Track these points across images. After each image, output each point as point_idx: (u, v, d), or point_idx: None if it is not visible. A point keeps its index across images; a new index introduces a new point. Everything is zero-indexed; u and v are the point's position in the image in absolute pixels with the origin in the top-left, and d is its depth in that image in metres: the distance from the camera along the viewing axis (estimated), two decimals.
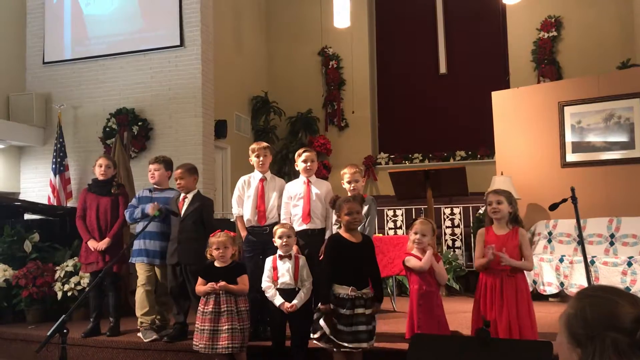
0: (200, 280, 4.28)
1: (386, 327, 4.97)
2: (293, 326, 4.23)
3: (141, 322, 5.08)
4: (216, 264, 4.27)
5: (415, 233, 4.13)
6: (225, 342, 4.05)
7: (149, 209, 4.98)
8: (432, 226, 4.23)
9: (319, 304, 3.88)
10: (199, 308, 4.23)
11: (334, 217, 4.20)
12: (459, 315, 5.35)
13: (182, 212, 4.95)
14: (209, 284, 4.15)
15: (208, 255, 4.30)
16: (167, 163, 5.38)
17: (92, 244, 5.22)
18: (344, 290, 3.83)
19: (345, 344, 3.74)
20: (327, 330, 3.76)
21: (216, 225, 4.90)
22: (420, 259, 4.09)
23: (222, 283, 4.13)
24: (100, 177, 5.38)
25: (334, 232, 4.26)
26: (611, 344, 1.28)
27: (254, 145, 5.03)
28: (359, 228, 4.44)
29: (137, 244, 5.15)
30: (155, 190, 5.31)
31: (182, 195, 5.02)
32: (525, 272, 4.14)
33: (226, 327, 4.08)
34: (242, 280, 4.24)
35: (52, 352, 4.88)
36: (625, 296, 1.34)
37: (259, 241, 4.80)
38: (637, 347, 1.26)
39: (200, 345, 4.11)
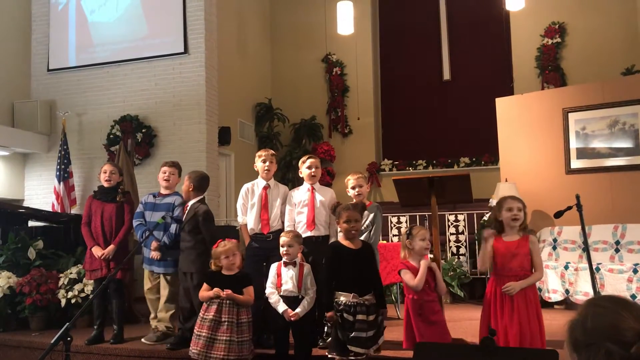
0: (205, 286, 4.23)
1: (390, 335, 4.93)
2: (296, 334, 4.21)
3: (155, 327, 5.18)
4: (223, 271, 4.24)
5: (422, 239, 4.09)
6: (221, 353, 3.98)
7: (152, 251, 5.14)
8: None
9: (326, 313, 3.86)
10: (199, 314, 4.19)
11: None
12: (464, 322, 5.32)
13: (183, 220, 5.00)
14: (215, 289, 4.10)
15: (213, 267, 4.26)
16: (180, 169, 5.44)
17: (96, 251, 5.22)
18: (345, 297, 3.82)
19: (357, 349, 3.73)
20: (334, 340, 3.75)
21: (215, 232, 4.91)
22: (417, 269, 4.04)
23: (229, 291, 4.07)
24: (106, 184, 5.40)
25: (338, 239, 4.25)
26: (605, 354, 1.29)
27: (261, 152, 5.03)
28: (363, 236, 4.43)
29: (146, 252, 5.24)
30: (159, 195, 5.35)
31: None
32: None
33: (224, 337, 4.01)
34: (248, 291, 4.19)
35: None
36: (632, 310, 1.34)
37: (263, 248, 4.79)
38: None
39: (194, 351, 4.06)
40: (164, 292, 5.20)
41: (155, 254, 5.10)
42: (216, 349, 4.00)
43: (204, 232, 4.87)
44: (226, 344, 3.99)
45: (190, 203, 5.03)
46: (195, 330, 4.15)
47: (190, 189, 5.04)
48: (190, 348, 4.13)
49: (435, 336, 3.98)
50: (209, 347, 4.01)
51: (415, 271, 4.04)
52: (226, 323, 4.05)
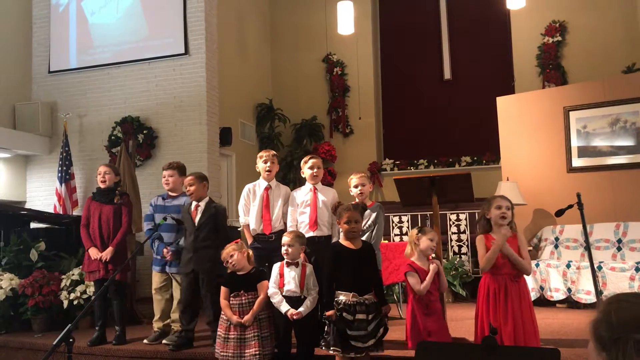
0: (223, 290, 4.27)
1: (393, 334, 4.94)
2: (299, 334, 4.22)
3: (164, 327, 5.22)
4: (237, 272, 4.29)
5: (431, 239, 4.12)
6: (253, 350, 4.06)
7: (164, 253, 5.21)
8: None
9: (325, 312, 3.87)
10: (222, 316, 4.24)
11: None
12: (466, 322, 5.31)
13: (196, 221, 4.90)
14: (235, 319, 4.13)
15: (229, 270, 4.33)
16: (181, 169, 5.42)
17: (93, 253, 5.23)
18: (344, 297, 3.82)
19: (357, 344, 3.74)
20: (335, 336, 3.76)
21: (229, 231, 4.97)
22: (422, 270, 4.08)
23: (247, 317, 4.11)
24: (101, 185, 5.40)
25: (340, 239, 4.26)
26: (634, 345, 1.29)
27: (262, 152, 5.03)
28: (365, 236, 4.43)
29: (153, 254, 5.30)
30: (168, 197, 5.37)
31: (195, 203, 4.98)
32: (526, 277, 4.12)
33: (252, 334, 4.10)
34: (262, 286, 4.24)
35: None
36: None
37: (265, 248, 4.79)
38: None
39: (226, 354, 4.10)
40: (177, 293, 5.21)
41: (171, 257, 5.13)
42: (249, 347, 4.08)
43: (223, 229, 4.98)
44: (257, 340, 4.09)
45: (203, 203, 4.97)
46: (220, 333, 4.19)
47: (206, 188, 5.05)
48: (217, 351, 4.18)
49: (440, 332, 4.01)
50: (241, 347, 4.09)
51: (420, 272, 4.06)
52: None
